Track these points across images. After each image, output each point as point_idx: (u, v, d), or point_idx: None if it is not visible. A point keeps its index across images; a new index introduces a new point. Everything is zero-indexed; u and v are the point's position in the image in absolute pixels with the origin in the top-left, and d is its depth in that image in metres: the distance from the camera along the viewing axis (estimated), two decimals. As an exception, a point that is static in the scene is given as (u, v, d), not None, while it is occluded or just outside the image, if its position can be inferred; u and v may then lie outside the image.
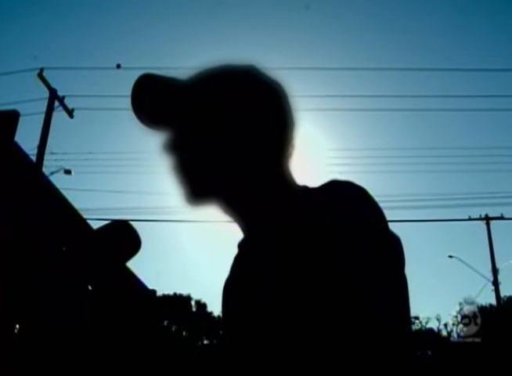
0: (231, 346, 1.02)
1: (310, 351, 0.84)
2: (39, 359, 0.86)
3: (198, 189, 1.03)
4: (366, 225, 0.90)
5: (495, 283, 22.71)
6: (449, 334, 30.62)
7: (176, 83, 1.09)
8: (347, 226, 0.88)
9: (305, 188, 1.03)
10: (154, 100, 1.07)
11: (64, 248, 0.93)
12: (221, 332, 1.15)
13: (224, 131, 1.03)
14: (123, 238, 0.97)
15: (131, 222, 0.97)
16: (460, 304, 30.41)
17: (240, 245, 1.10)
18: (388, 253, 0.91)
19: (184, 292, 38.13)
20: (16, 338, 0.87)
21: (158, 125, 1.09)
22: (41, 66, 15.32)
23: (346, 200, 0.91)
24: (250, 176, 1.02)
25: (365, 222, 0.90)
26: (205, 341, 37.03)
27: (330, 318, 0.83)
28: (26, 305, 0.88)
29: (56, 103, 15.47)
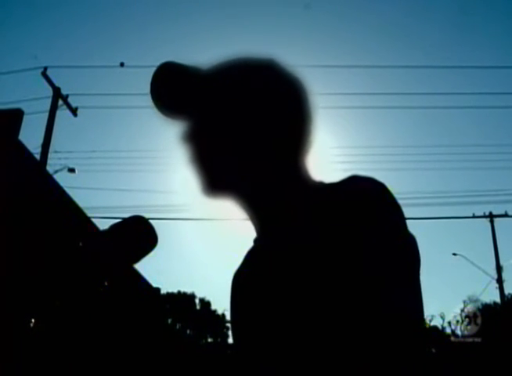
0: (249, 341, 1.00)
1: (334, 345, 0.83)
2: (53, 351, 0.87)
3: (215, 180, 1.03)
4: (389, 222, 0.90)
5: (500, 280, 22.67)
6: (453, 331, 30.61)
7: (197, 72, 1.08)
8: (370, 223, 0.87)
9: (323, 183, 1.02)
10: (175, 88, 1.06)
11: (80, 244, 0.93)
12: (231, 326, 1.10)
13: (243, 122, 1.02)
14: (140, 234, 0.96)
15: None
16: (464, 302, 30.41)
17: (257, 240, 1.09)
18: (409, 251, 0.91)
19: (188, 290, 38.19)
20: (32, 330, 0.88)
21: (176, 114, 1.08)
22: (44, 64, 15.35)
23: (368, 197, 0.91)
24: (268, 170, 1.02)
25: (389, 219, 0.90)
26: (209, 340, 37.05)
27: (354, 314, 0.82)
28: (41, 300, 0.88)
29: (60, 102, 15.48)
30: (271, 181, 1.02)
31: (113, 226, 0.95)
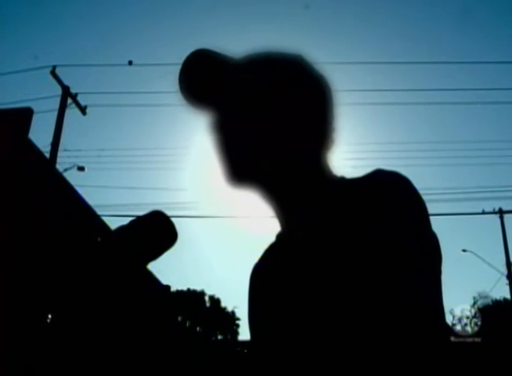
0: (272, 336, 0.98)
1: (357, 338, 0.83)
2: (69, 346, 0.87)
3: (240, 170, 1.02)
4: (416, 215, 0.91)
5: (510, 276, 22.56)
6: (463, 328, 30.50)
7: (229, 61, 1.08)
8: (397, 216, 0.88)
9: (346, 178, 1.03)
10: (208, 76, 1.06)
11: (100, 239, 0.92)
12: (251, 320, 1.09)
13: (272, 114, 1.02)
14: (160, 230, 0.95)
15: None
16: (474, 298, 30.29)
17: (280, 235, 1.09)
18: (433, 246, 0.92)
19: (198, 288, 38.22)
20: (49, 326, 0.89)
21: (204, 102, 1.08)
22: (53, 63, 15.40)
23: (395, 190, 0.92)
24: (295, 163, 1.02)
25: (416, 211, 0.91)
26: (219, 337, 37.07)
27: (376, 307, 0.81)
28: (59, 296, 0.88)
29: (69, 101, 15.53)
30: (298, 175, 1.02)
31: (132, 222, 0.94)
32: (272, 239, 1.12)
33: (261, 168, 1.02)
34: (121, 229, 0.93)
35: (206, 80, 1.06)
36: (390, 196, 0.91)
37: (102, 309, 0.91)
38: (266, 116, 1.02)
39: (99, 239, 0.93)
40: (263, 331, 1.03)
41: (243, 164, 1.02)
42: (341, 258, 0.87)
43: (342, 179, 1.03)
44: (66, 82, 15.49)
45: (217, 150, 1.04)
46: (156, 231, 0.94)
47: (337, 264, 0.87)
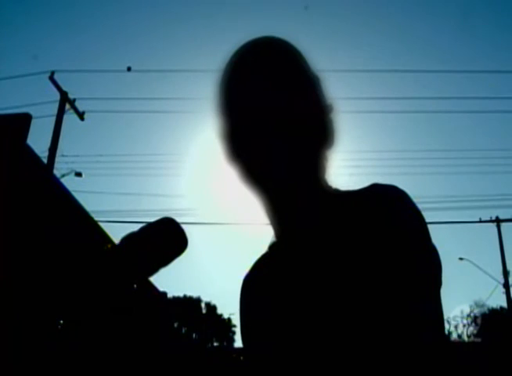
0: (281, 346, 0.97)
1: (359, 349, 0.84)
2: (80, 351, 0.87)
3: (254, 172, 1.01)
4: (418, 229, 0.92)
5: (506, 285, 22.57)
6: (460, 336, 30.48)
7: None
8: (400, 230, 0.89)
9: (342, 191, 1.03)
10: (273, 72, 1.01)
11: (109, 246, 0.92)
12: (246, 330, 1.09)
13: (293, 123, 0.99)
14: (171, 237, 0.95)
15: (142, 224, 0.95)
16: (471, 306, 30.29)
17: (275, 245, 1.08)
18: (434, 259, 0.93)
19: (194, 294, 38.18)
20: (60, 332, 0.88)
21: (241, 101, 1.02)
22: (52, 69, 15.42)
23: (395, 205, 0.93)
24: (304, 174, 1.00)
25: (416, 226, 0.92)
26: (215, 343, 36.99)
27: (380, 322, 0.84)
28: (70, 302, 0.88)
29: (67, 106, 15.54)
30: (304, 185, 1.01)
31: (143, 229, 0.94)
32: (265, 247, 1.12)
33: (275, 178, 1.00)
34: (132, 236, 0.93)
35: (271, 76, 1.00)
36: (390, 209, 0.92)
37: (107, 317, 0.91)
38: (290, 124, 0.98)
39: (109, 246, 0.92)
40: (267, 339, 1.02)
41: (260, 167, 1.00)
42: (345, 269, 0.88)
43: (338, 192, 1.04)
44: (64, 88, 15.52)
45: (233, 152, 1.02)
46: (168, 239, 0.94)
47: (344, 277, 0.88)
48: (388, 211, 0.91)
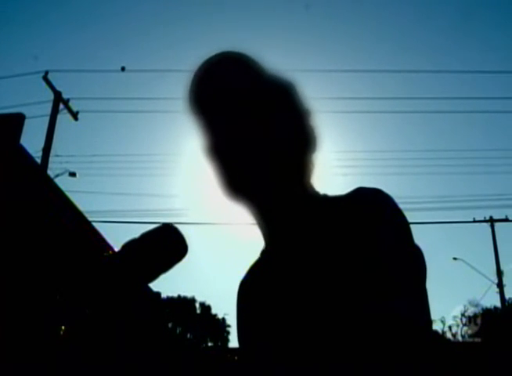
0: (264, 346, 1.00)
1: (341, 347, 0.87)
2: (81, 356, 0.88)
3: (239, 184, 1.03)
4: (400, 229, 0.94)
5: (500, 285, 22.64)
6: (454, 336, 30.57)
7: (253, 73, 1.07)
8: (381, 231, 0.92)
9: (329, 196, 1.05)
10: (230, 84, 1.05)
11: (106, 254, 0.93)
12: (241, 333, 1.11)
13: (276, 135, 1.02)
14: (171, 244, 0.96)
15: (137, 224, 0.96)
16: (465, 306, 30.36)
17: (266, 252, 1.10)
18: (418, 259, 0.96)
19: (188, 294, 38.16)
20: (62, 338, 0.89)
21: (215, 110, 1.05)
22: (45, 68, 15.37)
23: (380, 208, 0.95)
24: (290, 182, 1.03)
25: (399, 226, 0.94)
26: (209, 343, 37.00)
27: (361, 320, 0.86)
28: (70, 307, 0.89)
29: (61, 106, 15.49)
30: (287, 192, 1.03)
31: (143, 235, 0.95)
32: (259, 249, 1.13)
33: (258, 185, 1.02)
34: (132, 243, 0.94)
35: (228, 88, 1.04)
36: (375, 212, 0.94)
37: (113, 322, 0.91)
38: (273, 136, 1.01)
39: (110, 252, 0.93)
40: (262, 340, 1.03)
41: (244, 178, 1.02)
42: (333, 274, 0.91)
43: (325, 197, 1.06)
44: (58, 88, 15.48)
45: (219, 163, 1.03)
46: (168, 246, 0.95)
47: (330, 278, 0.91)
48: (371, 214, 0.94)
